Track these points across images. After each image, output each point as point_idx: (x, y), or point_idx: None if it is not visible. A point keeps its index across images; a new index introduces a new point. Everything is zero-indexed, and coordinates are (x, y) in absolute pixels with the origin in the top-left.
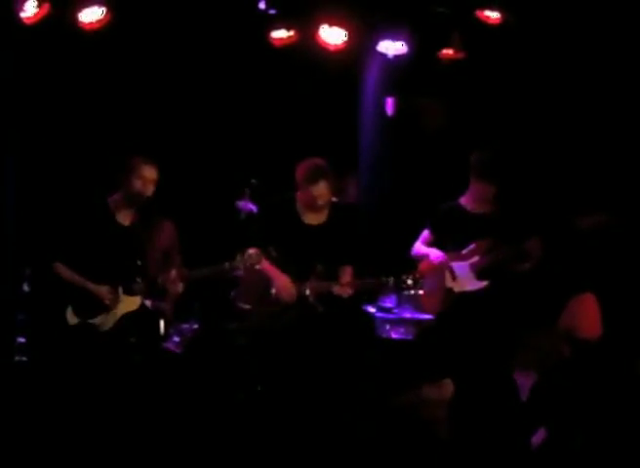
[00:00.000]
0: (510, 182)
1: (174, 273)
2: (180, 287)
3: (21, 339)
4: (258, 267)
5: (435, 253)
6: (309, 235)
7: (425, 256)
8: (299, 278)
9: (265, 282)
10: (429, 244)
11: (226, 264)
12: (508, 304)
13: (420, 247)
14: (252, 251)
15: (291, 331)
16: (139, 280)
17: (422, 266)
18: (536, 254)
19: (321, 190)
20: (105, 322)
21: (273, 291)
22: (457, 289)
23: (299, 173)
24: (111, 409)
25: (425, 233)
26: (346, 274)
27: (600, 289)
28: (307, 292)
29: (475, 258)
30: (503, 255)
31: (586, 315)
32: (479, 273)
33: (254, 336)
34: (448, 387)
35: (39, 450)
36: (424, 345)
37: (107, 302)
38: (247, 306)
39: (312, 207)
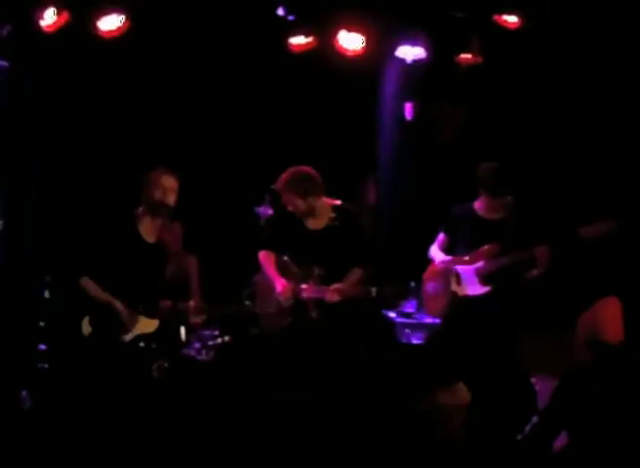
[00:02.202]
0: (518, 193)
1: (192, 304)
2: (200, 318)
3: (42, 346)
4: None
5: (440, 258)
6: (311, 240)
7: (432, 261)
8: (301, 282)
9: (271, 287)
10: (445, 246)
11: (247, 306)
12: (513, 308)
13: (434, 250)
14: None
15: (287, 334)
16: (162, 304)
17: (428, 270)
18: (544, 262)
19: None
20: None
21: (275, 295)
22: (460, 292)
23: None
24: (133, 416)
25: (441, 236)
26: (354, 276)
27: (623, 293)
28: (304, 294)
29: (480, 263)
30: (510, 261)
31: (610, 319)
32: (483, 278)
33: (262, 341)
34: (462, 392)
35: (60, 456)
36: (433, 350)
37: (126, 322)
38: (257, 310)
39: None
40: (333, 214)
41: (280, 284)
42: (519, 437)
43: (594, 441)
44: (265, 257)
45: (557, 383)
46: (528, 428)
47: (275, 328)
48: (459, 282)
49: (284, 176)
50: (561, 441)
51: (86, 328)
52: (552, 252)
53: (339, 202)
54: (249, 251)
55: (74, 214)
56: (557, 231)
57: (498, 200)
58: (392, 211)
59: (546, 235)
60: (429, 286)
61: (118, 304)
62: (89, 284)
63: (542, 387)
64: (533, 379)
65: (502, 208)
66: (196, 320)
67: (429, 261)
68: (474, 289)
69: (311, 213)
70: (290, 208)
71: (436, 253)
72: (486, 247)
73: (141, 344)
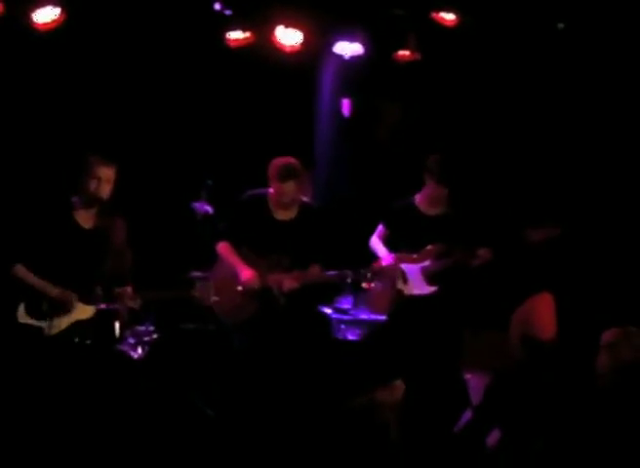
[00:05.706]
0: (465, 186)
1: (129, 290)
2: (137, 303)
3: None
4: (214, 298)
5: (386, 256)
6: (279, 230)
7: (377, 257)
8: (267, 271)
9: (232, 276)
10: (384, 239)
11: (184, 292)
12: (457, 307)
13: (375, 242)
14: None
15: (253, 323)
16: (98, 290)
17: (374, 266)
18: (484, 262)
19: (288, 188)
20: (56, 325)
21: (239, 287)
22: (406, 291)
23: (271, 169)
24: (63, 412)
25: (380, 228)
26: (313, 271)
27: (556, 289)
28: (270, 282)
29: (427, 262)
30: (455, 262)
31: (543, 315)
32: (430, 277)
33: (214, 334)
34: (400, 390)
35: None
36: (374, 346)
37: (63, 306)
38: (215, 299)
39: (280, 203)
40: (302, 209)
41: (246, 272)
42: (453, 433)
43: (526, 437)
44: (226, 248)
45: (490, 380)
46: (461, 424)
47: (237, 319)
48: (405, 280)
49: (282, 163)
50: (494, 437)
51: (22, 316)
52: (494, 253)
53: (305, 198)
54: (185, 246)
55: (6, 201)
56: (501, 232)
57: (443, 190)
58: (328, 207)
59: (489, 234)
60: (374, 283)
61: (53, 290)
62: (22, 271)
63: (477, 384)
64: (467, 376)
65: (443, 201)
66: (132, 305)
67: (372, 255)
68: (421, 288)
69: (293, 204)
70: (284, 197)
71: (378, 246)
72: (432, 246)
73: (76, 340)
